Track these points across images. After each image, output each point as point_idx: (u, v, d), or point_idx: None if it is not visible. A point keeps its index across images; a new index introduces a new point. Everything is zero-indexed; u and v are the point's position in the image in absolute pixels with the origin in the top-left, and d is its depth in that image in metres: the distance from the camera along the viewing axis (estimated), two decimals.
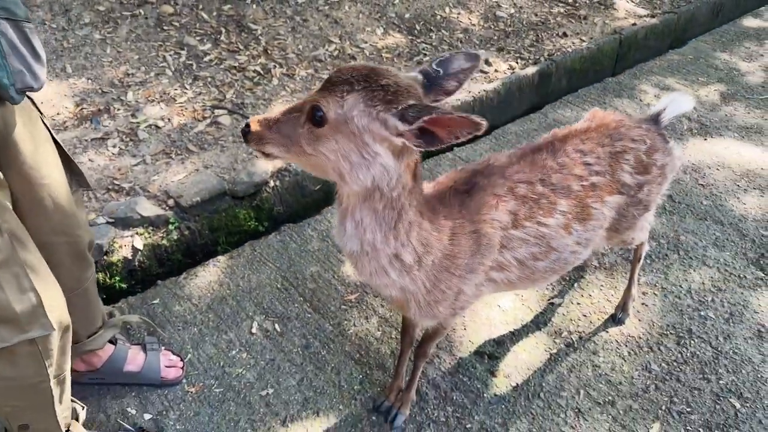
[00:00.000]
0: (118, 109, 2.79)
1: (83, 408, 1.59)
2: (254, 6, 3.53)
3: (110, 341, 1.81)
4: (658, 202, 1.81)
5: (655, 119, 1.77)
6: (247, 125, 1.21)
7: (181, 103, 2.89)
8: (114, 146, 2.62)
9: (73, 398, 1.55)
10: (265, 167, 2.57)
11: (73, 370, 1.68)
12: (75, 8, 3.24)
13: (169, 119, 2.79)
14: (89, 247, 1.56)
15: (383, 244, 1.25)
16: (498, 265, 1.44)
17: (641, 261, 2.09)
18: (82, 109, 2.75)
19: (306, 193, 2.67)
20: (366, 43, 3.45)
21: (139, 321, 1.91)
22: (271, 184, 2.57)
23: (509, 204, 1.42)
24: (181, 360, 1.85)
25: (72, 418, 1.51)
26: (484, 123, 1.02)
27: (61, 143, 1.42)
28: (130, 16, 3.28)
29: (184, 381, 1.79)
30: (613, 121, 1.67)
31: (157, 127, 2.75)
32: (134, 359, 1.79)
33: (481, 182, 1.43)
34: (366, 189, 1.18)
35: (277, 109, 1.25)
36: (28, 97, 1.31)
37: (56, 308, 1.26)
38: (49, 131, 1.38)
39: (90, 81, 2.89)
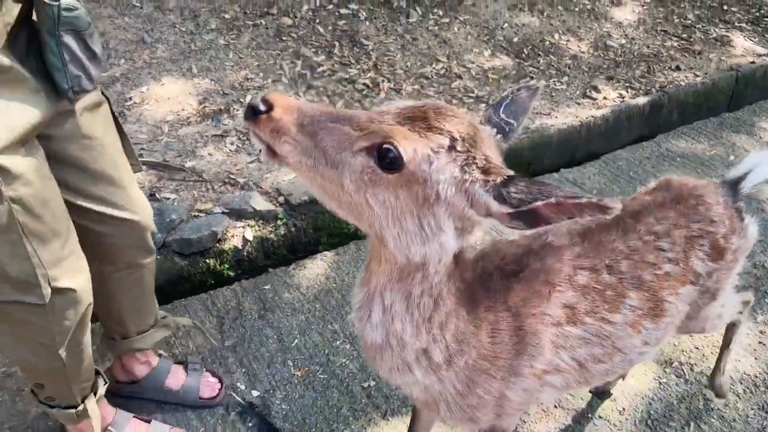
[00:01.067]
0: (237, 110, 2.94)
1: (105, 383, 1.58)
2: (367, 23, 3.66)
3: (156, 353, 1.82)
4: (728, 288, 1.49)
5: (733, 186, 1.44)
6: (266, 101, 0.87)
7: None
8: (232, 143, 2.76)
9: (98, 370, 1.56)
10: None
11: (114, 382, 1.74)
12: (203, 14, 3.47)
13: None
14: (145, 230, 1.54)
15: (413, 338, 1.02)
16: (553, 368, 1.20)
17: (731, 346, 1.75)
18: (204, 107, 2.92)
19: None
20: (473, 63, 3.49)
21: (190, 324, 1.89)
22: None
23: (566, 295, 1.18)
24: (220, 382, 1.81)
25: (91, 392, 1.52)
26: (618, 206, 0.80)
27: (122, 127, 1.50)
28: (252, 25, 3.47)
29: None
30: (691, 196, 1.38)
31: None
32: (175, 377, 1.78)
33: (533, 265, 1.18)
34: (409, 264, 0.95)
35: (310, 101, 0.97)
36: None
37: (66, 280, 1.28)
38: (114, 116, 1.46)
39: (213, 82, 3.07)
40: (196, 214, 2.40)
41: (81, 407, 1.48)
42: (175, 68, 3.10)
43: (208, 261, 2.36)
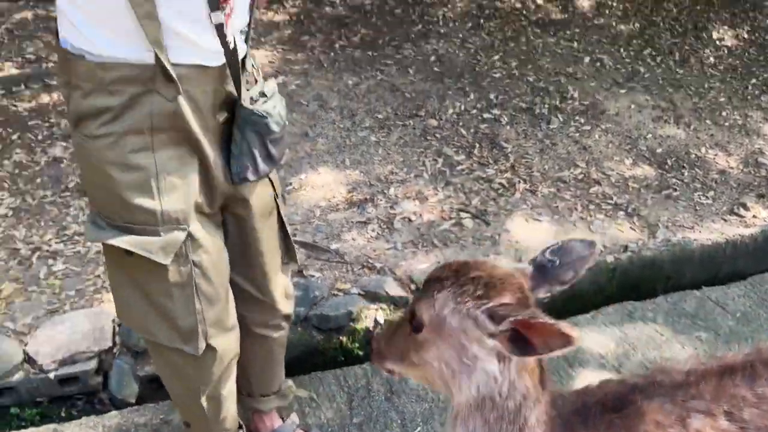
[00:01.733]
0: (381, 201, 3.19)
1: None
2: (508, 127, 3.85)
3: (280, 416, 1.97)
4: None
5: None
6: (371, 343, 1.17)
7: (433, 203, 3.22)
8: (373, 230, 2.99)
9: (242, 423, 1.72)
10: None
11: None
12: (359, 114, 3.85)
13: (420, 215, 3.12)
14: (280, 315, 1.72)
15: None
16: None
17: None
18: (352, 196, 3.21)
19: None
20: (613, 170, 3.52)
21: (307, 396, 2.07)
22: None
23: None
24: None
25: None
26: (575, 335, 0.87)
27: (284, 218, 1.66)
28: (401, 125, 3.79)
29: None
30: None
31: (410, 220, 3.08)
32: None
33: (639, 403, 1.12)
34: (474, 399, 1.03)
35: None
36: (271, 180, 1.58)
37: (219, 339, 1.46)
38: (278, 207, 1.62)
39: (362, 174, 3.37)
40: (336, 292, 2.61)
41: None
42: (331, 160, 3.45)
43: (341, 338, 2.53)
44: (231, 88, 1.31)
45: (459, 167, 3.50)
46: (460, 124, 3.86)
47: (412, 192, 3.29)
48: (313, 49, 4.53)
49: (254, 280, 1.61)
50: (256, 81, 1.42)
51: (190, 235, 1.32)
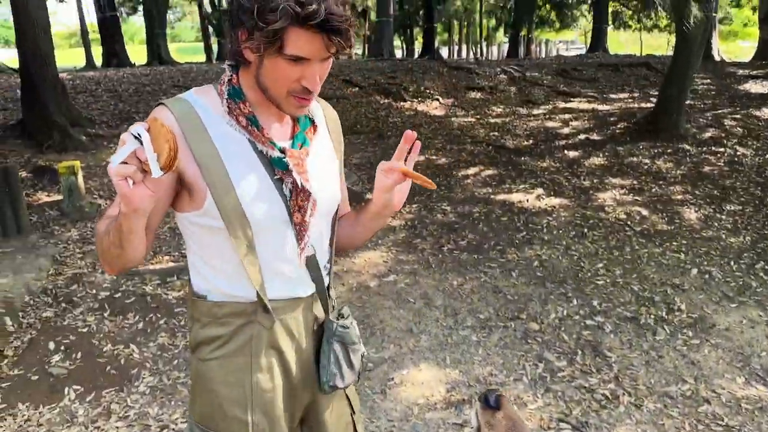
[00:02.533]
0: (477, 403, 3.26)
1: None
2: (612, 336, 3.87)
3: None
4: None
5: None
6: (497, 400, 1.41)
7: (532, 409, 3.23)
8: None
9: None
10: None
11: None
12: (462, 313, 4.07)
13: None
14: None
15: None
16: None
17: None
18: (450, 395, 3.31)
19: None
20: (723, 389, 3.38)
21: None
22: None
23: None
24: None
25: None
26: None
27: None
28: (502, 326, 3.94)
29: None
30: None
31: None
32: None
33: None
34: None
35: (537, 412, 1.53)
36: (348, 398, 1.73)
37: None
38: (354, 424, 1.74)
39: (461, 374, 3.50)
40: None
41: None
42: (432, 357, 3.63)
43: None
44: (318, 311, 1.59)
45: (560, 374, 3.52)
46: (562, 329, 3.94)
47: (511, 396, 3.33)
48: (423, 251, 4.95)
49: None
50: (334, 307, 1.68)
51: None
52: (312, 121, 1.52)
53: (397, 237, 5.26)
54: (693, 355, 3.68)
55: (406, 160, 1.43)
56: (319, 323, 1.59)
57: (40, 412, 3.14)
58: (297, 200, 1.44)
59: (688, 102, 8.90)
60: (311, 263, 1.53)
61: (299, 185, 1.43)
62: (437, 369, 3.54)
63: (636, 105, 10.60)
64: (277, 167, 1.41)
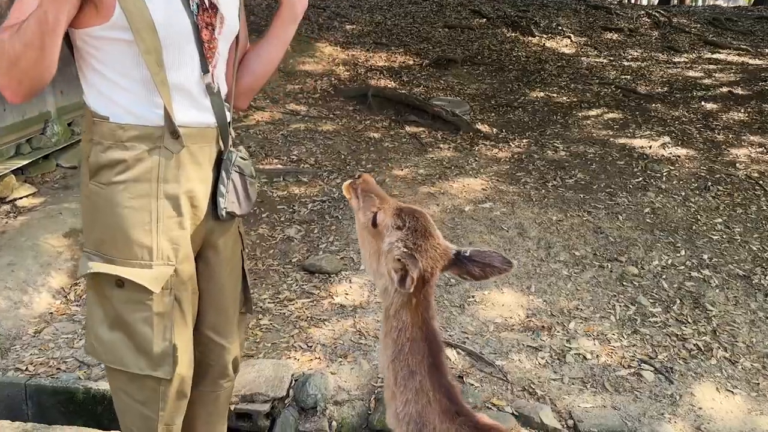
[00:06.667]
0: (558, 332, 3.19)
1: None
2: (717, 290, 3.60)
3: None
4: None
5: None
6: (359, 176, 1.51)
7: (614, 347, 3.12)
8: (542, 358, 3.00)
9: None
10: None
11: None
12: (556, 247, 3.94)
13: (597, 355, 3.04)
14: (233, 362, 1.78)
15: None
16: None
17: None
18: (529, 320, 3.27)
19: None
20: None
21: None
22: None
23: None
24: None
25: None
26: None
27: (246, 271, 1.79)
28: (598, 266, 3.78)
29: None
30: None
31: (584, 357, 3.02)
32: None
33: None
34: (381, 297, 1.40)
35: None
36: (241, 235, 1.76)
37: (183, 367, 1.56)
38: (243, 259, 1.78)
39: (544, 303, 3.43)
40: (489, 405, 2.65)
41: None
42: (517, 283, 3.58)
43: None
44: (221, 145, 1.61)
45: (652, 319, 3.36)
46: (663, 277, 3.72)
47: (594, 331, 3.23)
48: (525, 184, 4.81)
49: (216, 327, 1.73)
50: (234, 142, 1.69)
51: (176, 272, 1.55)
52: None
53: (500, 168, 5.14)
54: None
55: None
56: (220, 155, 1.62)
57: None
58: (204, 16, 1.48)
59: None
60: (214, 95, 1.56)
61: (206, 1, 1.48)
62: (520, 294, 3.49)
63: None
64: None
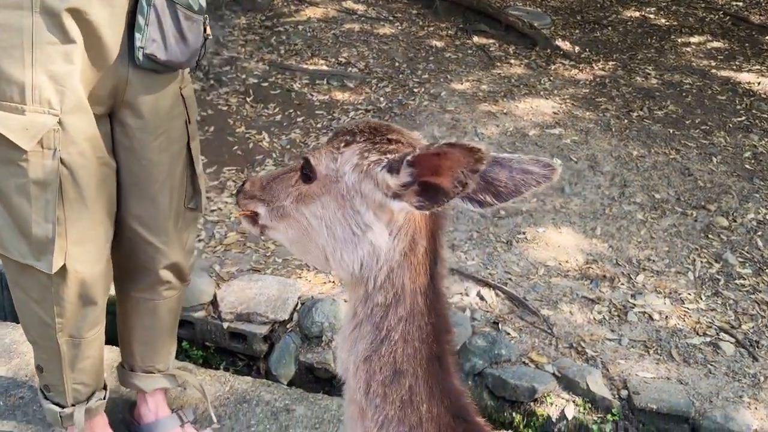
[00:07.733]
0: (622, 284, 2.68)
1: (102, 398, 1.48)
2: None
3: (170, 406, 1.66)
4: None
5: None
6: (243, 182, 1.03)
7: (688, 309, 2.59)
8: (599, 312, 2.51)
9: (106, 385, 1.50)
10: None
11: (129, 415, 1.66)
12: (632, 186, 3.35)
13: (666, 317, 2.52)
14: (172, 268, 1.42)
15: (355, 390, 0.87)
16: None
17: None
18: (589, 267, 2.76)
19: None
20: None
21: (198, 389, 1.68)
22: None
23: None
24: None
25: (85, 399, 1.42)
26: (482, 147, 0.71)
27: (194, 153, 1.35)
28: (680, 212, 3.18)
29: None
30: None
31: (651, 318, 2.51)
32: None
33: None
34: (354, 277, 0.88)
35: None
36: (184, 100, 1.31)
37: (81, 263, 1.21)
38: (188, 136, 1.33)
39: (610, 249, 2.89)
40: (526, 361, 2.21)
41: (68, 410, 1.42)
42: (580, 223, 3.04)
43: (514, 414, 2.12)
44: None
45: (738, 281, 2.78)
46: (759, 233, 3.10)
47: (666, 288, 2.69)
48: (605, 111, 4.14)
49: (143, 219, 1.35)
50: None
51: (61, 124, 1.12)
52: None
53: (578, 91, 4.47)
54: None
55: None
56: None
57: None
58: None
59: None
60: None
61: None
62: (581, 236, 2.96)
63: None
64: None
